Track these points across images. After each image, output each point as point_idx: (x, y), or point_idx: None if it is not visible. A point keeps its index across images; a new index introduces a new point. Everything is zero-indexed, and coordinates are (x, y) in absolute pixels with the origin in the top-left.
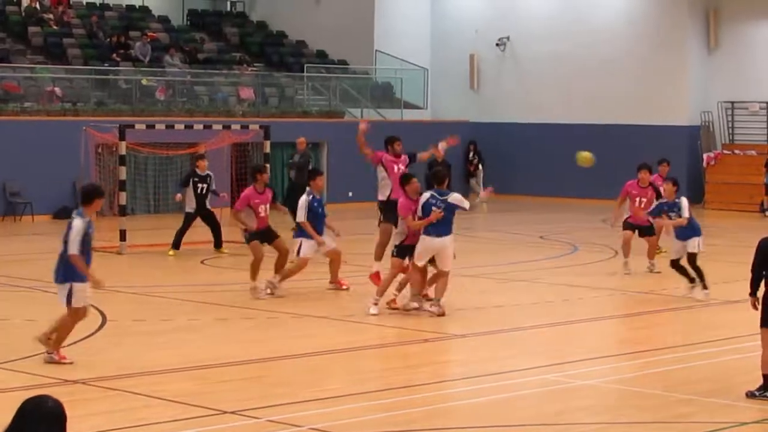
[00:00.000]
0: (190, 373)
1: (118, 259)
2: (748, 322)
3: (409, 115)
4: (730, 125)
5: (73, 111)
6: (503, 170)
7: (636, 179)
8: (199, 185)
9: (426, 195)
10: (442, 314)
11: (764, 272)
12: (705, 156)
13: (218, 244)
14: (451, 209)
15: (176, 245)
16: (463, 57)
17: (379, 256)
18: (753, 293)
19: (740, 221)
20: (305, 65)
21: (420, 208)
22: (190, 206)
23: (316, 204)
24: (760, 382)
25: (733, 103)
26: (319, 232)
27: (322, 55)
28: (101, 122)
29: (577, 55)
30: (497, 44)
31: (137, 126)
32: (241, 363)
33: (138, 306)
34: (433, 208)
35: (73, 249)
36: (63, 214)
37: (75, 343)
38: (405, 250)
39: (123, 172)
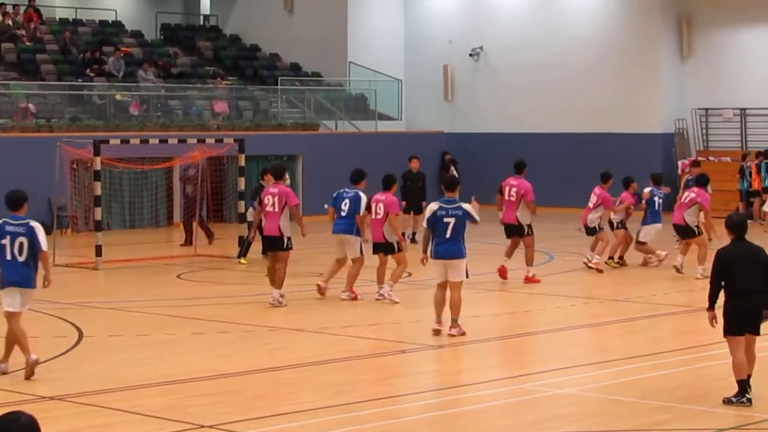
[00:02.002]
0: (166, 388)
1: (94, 274)
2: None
3: (384, 126)
4: (704, 132)
5: (47, 127)
6: (478, 180)
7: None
8: None
9: (433, 206)
10: (463, 333)
11: (723, 283)
12: (680, 163)
13: (243, 253)
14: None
15: (244, 254)
16: (437, 68)
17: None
18: (711, 307)
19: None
20: (279, 78)
21: (428, 220)
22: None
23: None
24: (736, 388)
25: (707, 110)
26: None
27: (295, 68)
28: (76, 138)
29: (551, 64)
30: (471, 54)
31: (112, 141)
32: (218, 377)
33: (114, 321)
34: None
35: None
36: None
37: (52, 359)
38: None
39: (98, 188)
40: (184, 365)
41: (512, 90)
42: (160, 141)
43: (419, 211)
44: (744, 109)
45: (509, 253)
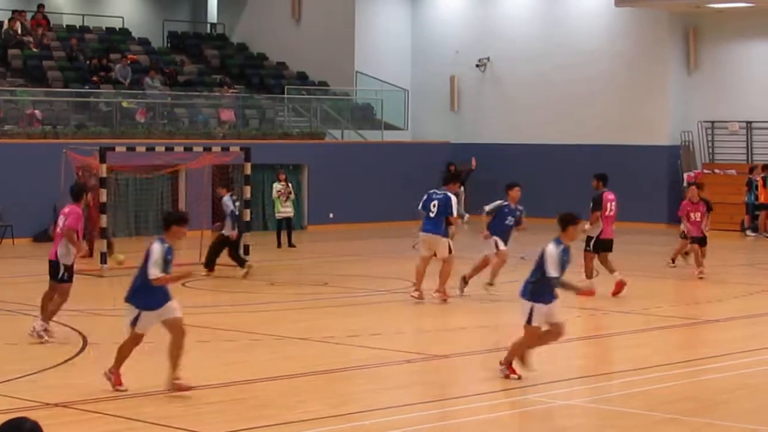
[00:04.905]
0: (172, 396)
1: (99, 281)
2: (730, 341)
3: (390, 136)
4: (710, 145)
5: (53, 134)
6: (484, 191)
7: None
8: None
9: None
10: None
11: None
12: (685, 175)
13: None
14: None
15: None
16: (444, 78)
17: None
18: None
19: (721, 241)
20: (286, 87)
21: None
22: None
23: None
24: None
25: (713, 122)
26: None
27: (302, 77)
28: (82, 145)
29: (557, 75)
30: (477, 65)
31: (117, 148)
32: (223, 385)
33: (119, 329)
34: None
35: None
36: (43, 237)
37: (57, 366)
38: None
39: (104, 195)
40: (189, 373)
41: (518, 101)
42: (166, 149)
43: None
44: (750, 122)
45: (611, 270)
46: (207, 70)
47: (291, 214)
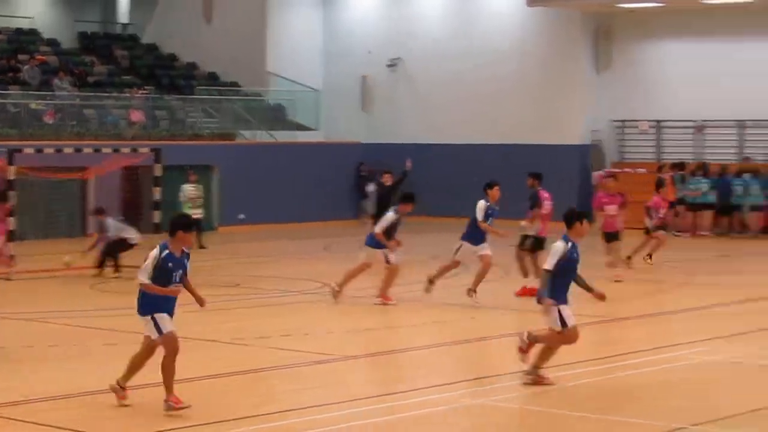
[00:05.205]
0: (77, 400)
1: (7, 284)
2: (640, 338)
3: (302, 136)
4: (620, 144)
5: None
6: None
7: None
8: None
9: None
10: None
11: None
12: (595, 174)
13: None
14: None
15: None
16: (356, 78)
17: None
18: None
19: (630, 239)
20: (196, 87)
21: None
22: None
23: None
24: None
25: (623, 121)
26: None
27: (213, 78)
28: None
29: (470, 75)
30: (389, 65)
31: (26, 150)
32: (131, 388)
33: (27, 332)
34: None
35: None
36: None
37: None
38: None
39: (12, 198)
40: (95, 377)
41: (431, 101)
42: (75, 150)
43: None
44: (660, 121)
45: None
46: (117, 71)
47: (201, 216)
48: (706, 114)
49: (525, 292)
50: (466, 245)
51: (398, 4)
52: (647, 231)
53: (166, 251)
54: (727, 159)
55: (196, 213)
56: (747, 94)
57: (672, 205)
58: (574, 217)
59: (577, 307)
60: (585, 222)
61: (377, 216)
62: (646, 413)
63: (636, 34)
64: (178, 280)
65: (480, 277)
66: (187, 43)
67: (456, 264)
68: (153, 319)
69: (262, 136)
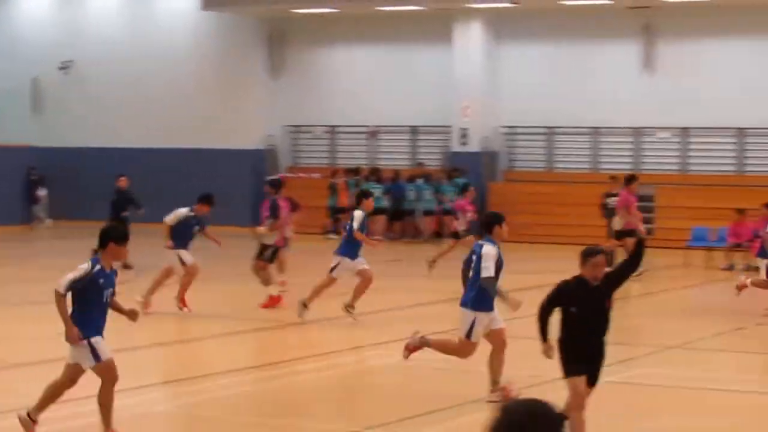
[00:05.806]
0: None
1: None
2: (312, 343)
3: None
4: (294, 149)
5: None
6: (69, 195)
7: None
8: None
9: None
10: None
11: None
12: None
13: None
14: None
15: None
16: (26, 79)
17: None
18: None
19: (304, 244)
20: None
21: None
22: None
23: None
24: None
25: (298, 126)
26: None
27: None
28: None
29: (146, 78)
30: (61, 68)
31: None
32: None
33: None
34: None
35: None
36: None
37: None
38: None
39: None
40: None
41: (106, 104)
42: None
43: None
44: (334, 126)
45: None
46: None
47: None
48: (380, 119)
49: (272, 302)
50: (345, 261)
51: (71, 5)
52: (456, 235)
53: (98, 266)
54: (401, 164)
55: None
56: (419, 100)
57: (343, 210)
58: (494, 221)
59: (247, 313)
60: (504, 225)
61: (112, 218)
62: (317, 416)
63: (311, 40)
64: (107, 300)
65: (360, 293)
66: None
67: (332, 281)
68: (90, 344)
69: None
